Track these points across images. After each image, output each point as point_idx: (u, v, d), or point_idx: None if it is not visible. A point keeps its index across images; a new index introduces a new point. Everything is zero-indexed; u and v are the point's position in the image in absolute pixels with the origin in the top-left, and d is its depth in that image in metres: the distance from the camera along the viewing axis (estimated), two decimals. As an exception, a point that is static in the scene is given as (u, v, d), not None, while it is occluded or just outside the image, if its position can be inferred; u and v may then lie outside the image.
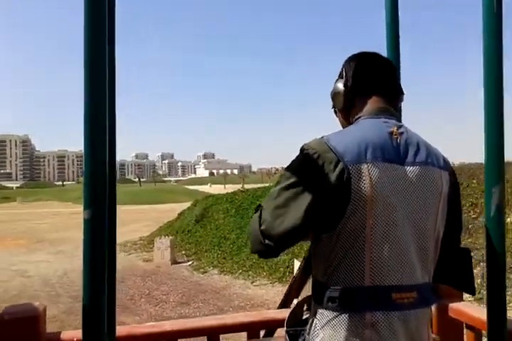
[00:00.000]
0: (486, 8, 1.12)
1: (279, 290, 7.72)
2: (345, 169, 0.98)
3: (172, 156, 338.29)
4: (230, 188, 25.75)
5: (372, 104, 1.14)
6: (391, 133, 1.06)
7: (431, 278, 1.09)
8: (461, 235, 1.19)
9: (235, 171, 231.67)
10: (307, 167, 1.02)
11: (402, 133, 1.07)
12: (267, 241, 1.03)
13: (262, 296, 7.72)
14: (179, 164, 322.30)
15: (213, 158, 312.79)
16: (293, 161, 1.07)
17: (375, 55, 1.21)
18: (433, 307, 1.68)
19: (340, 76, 1.20)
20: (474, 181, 10.96)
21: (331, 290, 1.02)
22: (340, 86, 1.18)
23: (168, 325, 1.46)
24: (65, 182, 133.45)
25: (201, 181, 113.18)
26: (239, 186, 32.75)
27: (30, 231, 18.26)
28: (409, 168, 1.04)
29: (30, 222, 22.41)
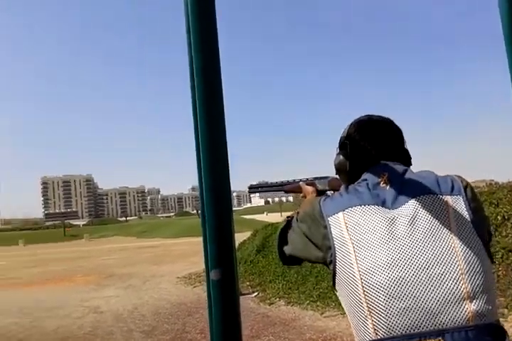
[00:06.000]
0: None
1: (352, 321, 7.40)
2: (326, 221, 1.07)
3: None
4: (287, 216, 25.45)
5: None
6: (379, 182, 1.10)
7: (482, 317, 0.89)
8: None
9: (290, 198, 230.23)
10: (308, 218, 1.15)
11: (392, 178, 1.10)
12: (283, 256, 1.27)
13: (334, 328, 7.40)
14: (234, 194, 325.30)
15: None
16: (304, 207, 1.25)
17: (376, 127, 1.23)
18: None
19: (343, 148, 1.26)
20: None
21: None
22: (344, 162, 1.25)
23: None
24: (127, 218, 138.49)
25: (257, 210, 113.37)
26: (296, 213, 32.23)
27: (98, 267, 18.87)
28: (401, 206, 1.03)
29: (97, 258, 23.23)
